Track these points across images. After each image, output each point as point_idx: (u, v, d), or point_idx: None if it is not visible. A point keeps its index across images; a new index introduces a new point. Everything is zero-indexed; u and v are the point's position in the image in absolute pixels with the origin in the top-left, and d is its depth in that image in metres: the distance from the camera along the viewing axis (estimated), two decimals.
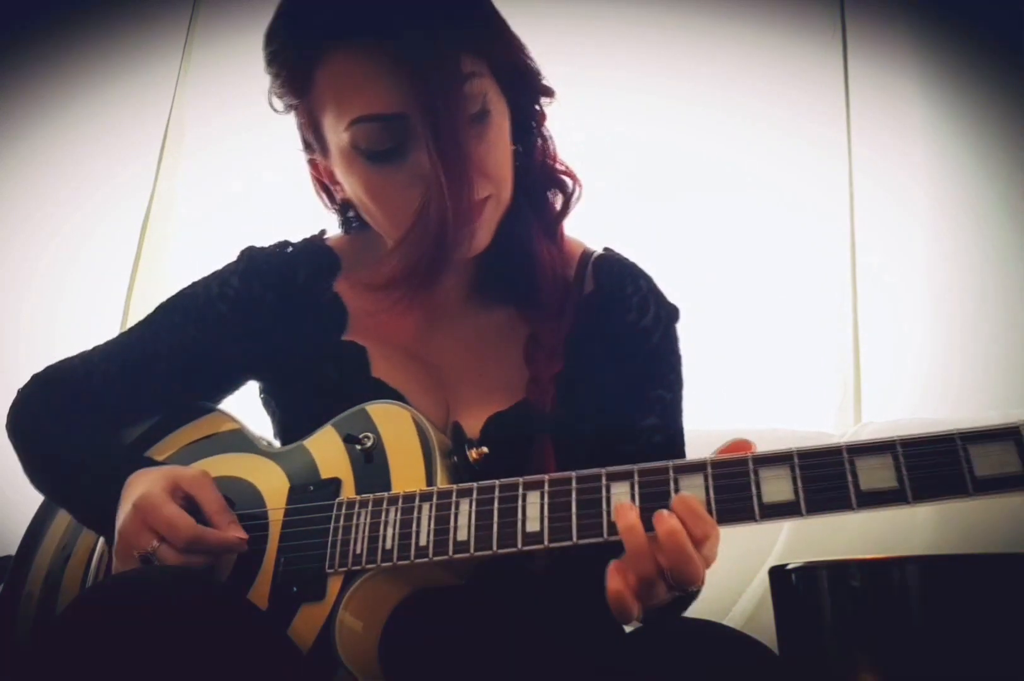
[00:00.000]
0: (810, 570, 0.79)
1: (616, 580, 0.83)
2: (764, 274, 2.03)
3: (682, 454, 1.10)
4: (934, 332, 1.89)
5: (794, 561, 0.80)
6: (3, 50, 2.36)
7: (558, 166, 1.10)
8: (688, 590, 0.84)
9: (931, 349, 1.88)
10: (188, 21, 2.46)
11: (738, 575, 1.55)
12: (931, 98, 1.97)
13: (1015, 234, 1.84)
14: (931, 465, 0.79)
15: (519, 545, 0.89)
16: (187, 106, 2.43)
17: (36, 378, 1.20)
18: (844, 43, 2.07)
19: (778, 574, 0.82)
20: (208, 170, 2.36)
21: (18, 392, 1.20)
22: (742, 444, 0.87)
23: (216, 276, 1.18)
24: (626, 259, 1.16)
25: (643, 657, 0.87)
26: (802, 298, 2.02)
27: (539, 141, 1.08)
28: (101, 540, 1.12)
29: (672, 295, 1.17)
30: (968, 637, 0.73)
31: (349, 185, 1.03)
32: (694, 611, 1.03)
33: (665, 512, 0.83)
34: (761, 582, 1.54)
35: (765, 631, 0.86)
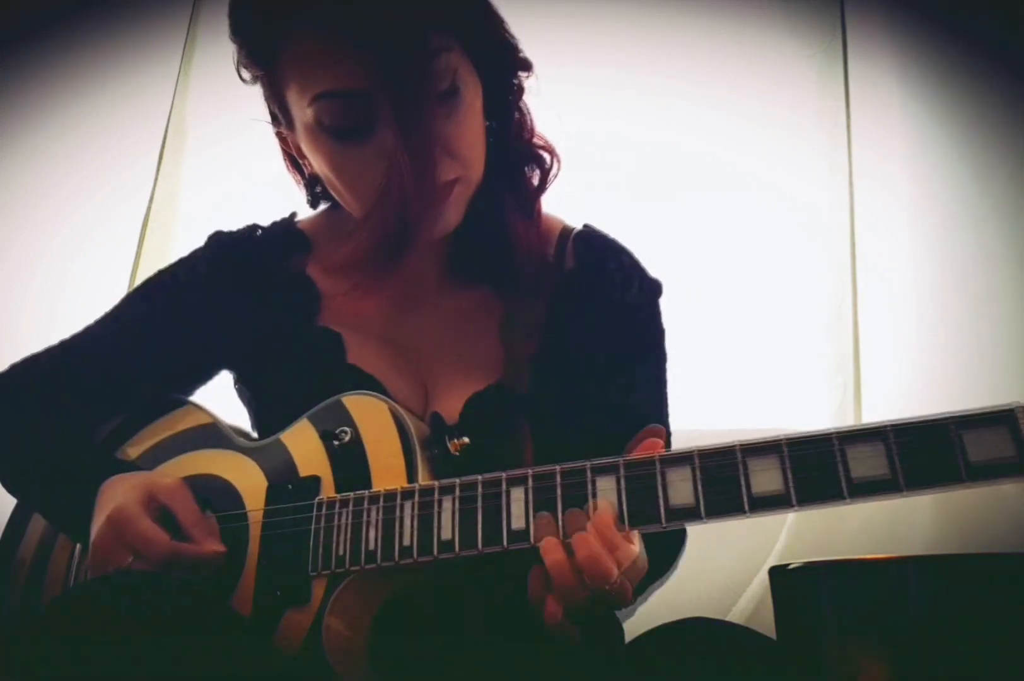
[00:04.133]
0: (810, 570, 0.79)
1: (551, 605, 0.83)
2: (764, 274, 2.03)
3: (666, 427, 1.08)
4: (934, 332, 1.89)
5: (794, 561, 0.80)
6: (3, 49, 2.36)
7: (536, 141, 1.08)
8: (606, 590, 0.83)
9: (931, 349, 1.88)
10: (188, 21, 2.46)
11: (738, 575, 1.56)
12: (931, 99, 1.97)
13: (1014, 234, 1.84)
14: (924, 452, 0.77)
15: (505, 544, 0.88)
16: (187, 106, 2.43)
17: None
18: (844, 43, 2.07)
19: (778, 574, 0.82)
20: (208, 170, 2.36)
21: None
22: (652, 442, 0.87)
23: (182, 263, 1.15)
24: (607, 235, 1.14)
25: (646, 655, 0.87)
26: (802, 298, 2.02)
27: (516, 116, 1.05)
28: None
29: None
30: (967, 637, 0.73)
31: (315, 161, 1.01)
32: (694, 610, 1.03)
33: (582, 535, 0.83)
34: (761, 582, 1.54)
35: (765, 630, 0.86)
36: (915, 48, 2.00)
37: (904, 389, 1.89)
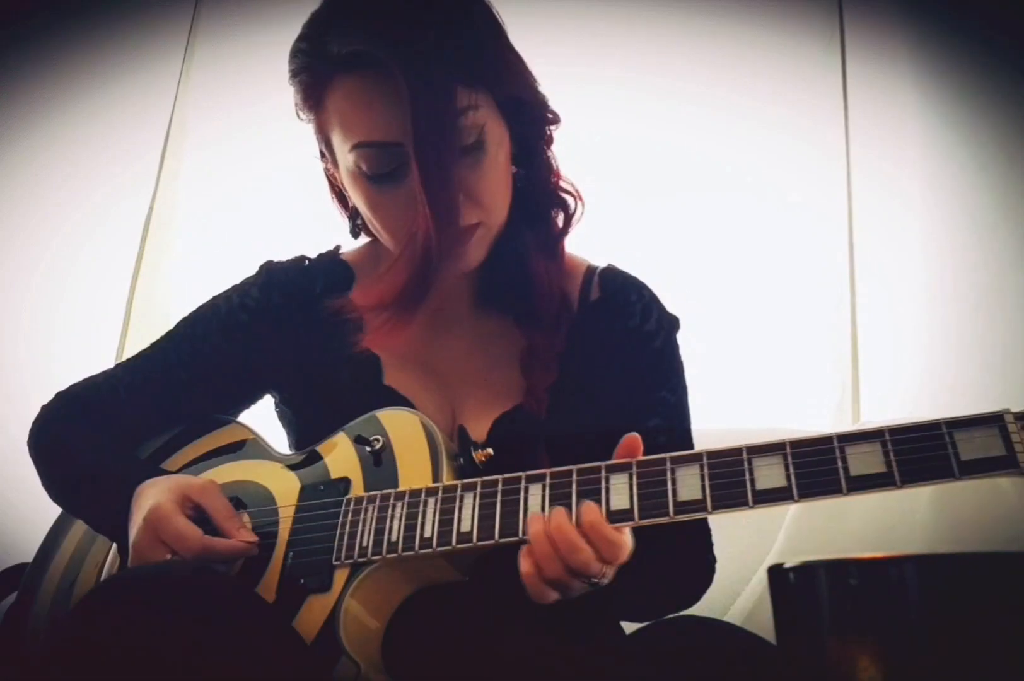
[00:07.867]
0: (808, 569, 0.79)
1: (526, 564, 0.90)
2: (763, 274, 2.04)
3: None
4: (932, 332, 1.89)
5: (792, 560, 0.81)
6: (5, 50, 2.36)
7: (562, 185, 1.14)
8: (592, 580, 0.90)
9: (929, 349, 1.89)
10: (190, 22, 2.47)
11: (737, 574, 1.56)
12: (929, 99, 1.97)
13: (1013, 234, 1.84)
14: (918, 450, 0.83)
15: (521, 534, 0.92)
16: (189, 106, 2.43)
17: (60, 395, 1.23)
18: (842, 43, 2.08)
19: (776, 573, 0.82)
20: (210, 170, 2.36)
21: (41, 408, 1.22)
22: (631, 444, 0.94)
23: (236, 288, 1.22)
24: (628, 273, 1.21)
25: (646, 652, 0.88)
26: (801, 298, 2.03)
27: (543, 163, 1.12)
28: (114, 547, 1.14)
29: (671, 295, 1.20)
30: (966, 636, 0.73)
31: (355, 200, 1.09)
32: (693, 608, 1.04)
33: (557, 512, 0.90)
34: (760, 581, 1.54)
35: (763, 630, 0.87)
36: (914, 47, 2.01)
37: (902, 389, 1.90)
